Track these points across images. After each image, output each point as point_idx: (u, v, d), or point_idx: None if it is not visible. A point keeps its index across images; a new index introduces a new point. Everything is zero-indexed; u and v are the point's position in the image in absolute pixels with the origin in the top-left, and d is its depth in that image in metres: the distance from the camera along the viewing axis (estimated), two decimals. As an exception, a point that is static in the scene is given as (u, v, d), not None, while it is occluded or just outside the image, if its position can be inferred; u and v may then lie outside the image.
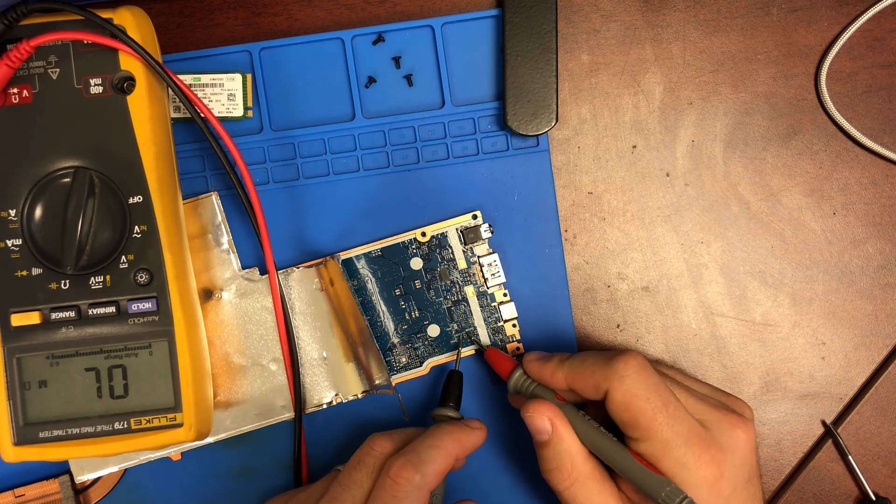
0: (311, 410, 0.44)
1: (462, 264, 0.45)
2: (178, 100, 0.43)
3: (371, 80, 0.45)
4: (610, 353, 0.38)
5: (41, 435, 0.39)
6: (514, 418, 0.45)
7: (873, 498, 0.46)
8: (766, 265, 0.47)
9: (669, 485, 0.36)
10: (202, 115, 0.40)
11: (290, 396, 0.43)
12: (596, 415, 0.40)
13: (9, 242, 0.38)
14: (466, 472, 0.45)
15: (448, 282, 0.45)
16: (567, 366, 0.39)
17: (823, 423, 0.47)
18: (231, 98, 0.44)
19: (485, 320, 0.45)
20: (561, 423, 0.38)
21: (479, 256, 0.45)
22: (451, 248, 0.45)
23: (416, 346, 0.45)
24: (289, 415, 0.44)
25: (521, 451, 0.45)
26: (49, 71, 0.39)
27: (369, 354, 0.44)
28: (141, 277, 0.39)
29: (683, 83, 0.47)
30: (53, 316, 0.39)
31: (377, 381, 0.44)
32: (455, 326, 0.45)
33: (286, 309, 0.43)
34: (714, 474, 0.36)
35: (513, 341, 0.45)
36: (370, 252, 0.44)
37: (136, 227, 0.39)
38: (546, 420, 0.38)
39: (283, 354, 0.43)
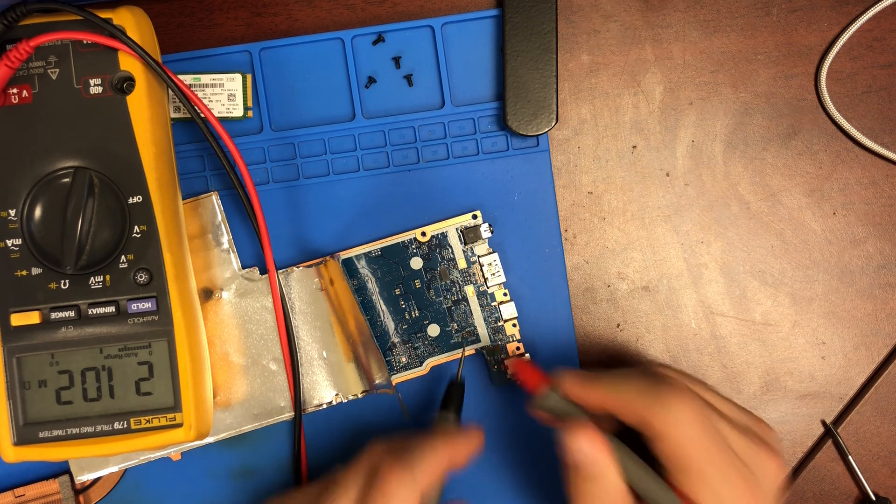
0: (311, 410, 0.44)
1: (462, 264, 0.45)
2: (178, 100, 0.43)
3: (371, 80, 0.45)
4: (656, 379, 0.37)
5: (41, 435, 0.39)
6: (511, 418, 0.45)
7: (873, 498, 0.46)
8: (766, 265, 0.47)
9: None
10: (202, 115, 0.40)
11: (290, 396, 0.43)
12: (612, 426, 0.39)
13: (9, 242, 0.38)
14: (465, 473, 0.45)
15: (448, 281, 0.45)
16: (605, 388, 0.38)
17: (823, 423, 0.47)
18: (231, 98, 0.44)
19: (485, 320, 0.45)
20: (610, 459, 0.36)
21: (479, 256, 0.45)
22: (451, 247, 0.45)
23: (416, 345, 0.45)
24: (289, 415, 0.44)
25: (519, 452, 0.45)
26: (49, 71, 0.39)
27: (369, 354, 0.44)
28: (141, 277, 0.39)
29: (683, 83, 0.47)
30: (53, 316, 0.39)
31: (377, 381, 0.44)
32: (455, 326, 0.45)
33: (286, 309, 0.43)
34: None
35: (513, 341, 0.45)
36: (370, 252, 0.44)
37: (136, 226, 0.39)
38: (597, 452, 0.36)
39: (283, 354, 0.43)
